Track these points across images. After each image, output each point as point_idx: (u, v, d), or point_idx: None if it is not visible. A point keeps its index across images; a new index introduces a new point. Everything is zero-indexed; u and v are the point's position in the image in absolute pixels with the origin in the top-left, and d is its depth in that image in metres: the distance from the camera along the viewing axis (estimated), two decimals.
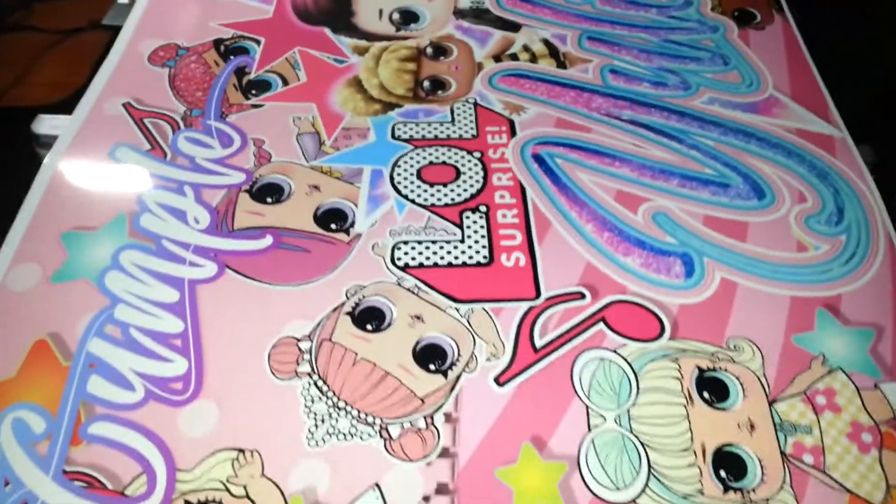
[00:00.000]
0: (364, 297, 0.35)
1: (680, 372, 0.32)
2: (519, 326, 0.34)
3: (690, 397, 0.32)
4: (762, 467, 0.30)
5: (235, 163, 0.41)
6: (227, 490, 0.29)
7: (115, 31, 0.50)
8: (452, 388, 0.32)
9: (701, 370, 0.33)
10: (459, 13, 0.52)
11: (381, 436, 0.31)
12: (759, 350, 0.33)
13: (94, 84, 0.45)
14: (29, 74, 0.97)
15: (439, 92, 0.46)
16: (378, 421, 0.31)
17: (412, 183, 0.40)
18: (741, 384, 0.32)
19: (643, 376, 0.32)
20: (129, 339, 0.33)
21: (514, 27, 0.51)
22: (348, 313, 0.34)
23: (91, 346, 0.33)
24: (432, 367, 0.33)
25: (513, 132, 0.43)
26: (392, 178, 0.40)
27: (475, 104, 0.45)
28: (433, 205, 0.39)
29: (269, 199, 0.39)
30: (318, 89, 0.46)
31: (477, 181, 0.40)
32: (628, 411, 0.31)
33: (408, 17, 0.51)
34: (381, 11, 0.51)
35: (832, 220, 0.39)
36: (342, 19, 0.51)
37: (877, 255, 0.37)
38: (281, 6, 0.51)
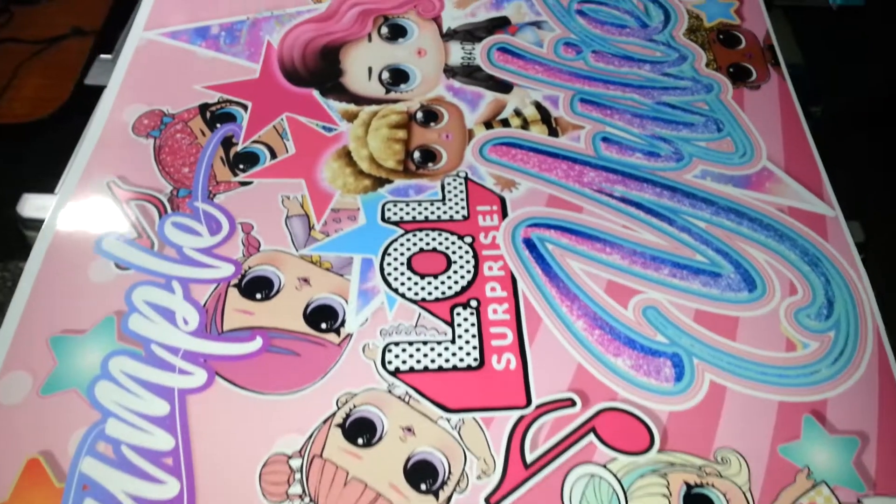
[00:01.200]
0: (355, 406, 0.35)
1: (668, 489, 0.33)
2: (510, 439, 0.34)
3: None
4: None
5: (224, 252, 0.40)
6: None
7: (98, 91, 0.49)
8: None
9: (689, 486, 0.33)
10: (450, 71, 0.51)
11: None
12: (746, 463, 0.34)
13: (77, 159, 0.45)
14: (10, 89, 0.95)
15: (430, 164, 0.45)
16: None
17: (402, 274, 0.40)
18: (727, 501, 0.33)
19: (632, 494, 0.33)
20: (121, 458, 0.33)
21: (506, 87, 0.50)
22: (339, 425, 0.34)
23: (84, 466, 0.33)
24: (423, 486, 0.33)
25: (504, 212, 0.43)
26: (382, 269, 0.40)
27: (466, 179, 0.44)
28: (424, 300, 0.39)
29: (258, 296, 0.39)
30: (307, 162, 0.45)
31: (468, 271, 0.40)
32: None
33: (398, 77, 0.50)
34: (370, 70, 0.50)
35: (822, 314, 0.39)
36: (330, 79, 0.50)
37: (864, 353, 0.38)
38: (268, 65, 0.50)
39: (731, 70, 0.51)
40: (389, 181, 0.44)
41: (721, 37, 0.53)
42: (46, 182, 0.45)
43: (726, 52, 0.52)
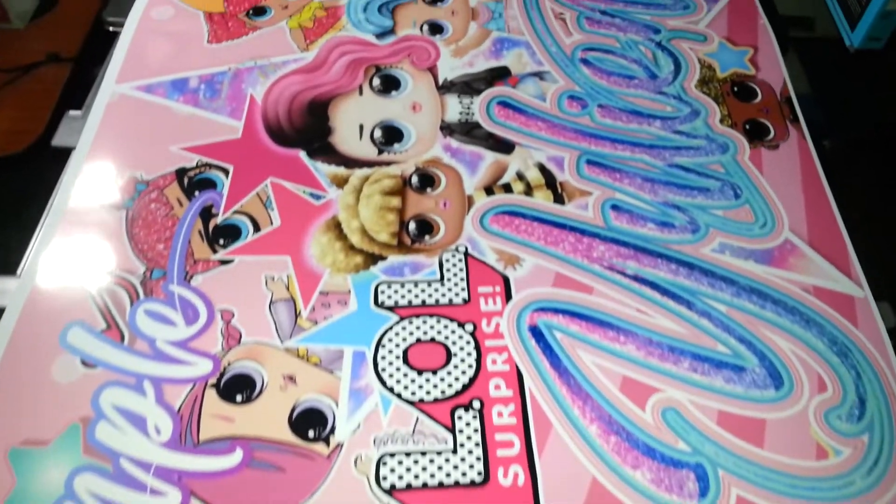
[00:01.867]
0: None
1: None
2: None
3: None
4: None
5: (201, 345, 0.37)
6: None
7: (67, 153, 0.45)
8: None
9: None
10: (447, 128, 0.47)
11: None
12: None
13: (42, 233, 0.41)
14: None
15: (426, 237, 0.42)
16: None
17: (398, 370, 0.36)
18: None
19: None
20: None
21: (507, 147, 0.46)
22: None
23: None
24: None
25: (508, 293, 0.39)
26: (376, 364, 0.36)
27: (466, 254, 0.41)
28: (422, 400, 0.35)
29: (238, 398, 0.35)
30: (294, 236, 0.41)
31: (470, 365, 0.37)
32: None
33: (391, 135, 0.47)
34: (361, 127, 0.47)
35: (853, 414, 0.36)
36: (319, 138, 0.46)
37: None
38: (251, 122, 0.47)
39: (747, 127, 0.48)
40: (383, 258, 0.41)
41: (735, 89, 0.50)
42: (11, 243, 0.42)
43: (741, 106, 0.49)
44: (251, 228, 0.42)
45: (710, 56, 0.52)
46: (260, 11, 0.53)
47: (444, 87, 0.49)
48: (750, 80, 0.51)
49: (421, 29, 0.53)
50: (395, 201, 0.43)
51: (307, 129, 0.47)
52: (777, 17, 0.56)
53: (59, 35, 1.04)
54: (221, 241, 0.41)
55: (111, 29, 0.54)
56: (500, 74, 0.51)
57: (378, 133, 0.47)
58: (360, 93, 0.49)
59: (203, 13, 0.53)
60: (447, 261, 0.41)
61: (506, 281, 0.40)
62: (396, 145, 0.46)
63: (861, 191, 0.48)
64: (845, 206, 0.44)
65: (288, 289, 0.39)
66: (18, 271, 0.40)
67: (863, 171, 0.50)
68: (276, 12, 0.53)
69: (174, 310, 0.38)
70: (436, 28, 0.53)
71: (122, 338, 0.37)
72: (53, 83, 1.01)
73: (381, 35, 0.52)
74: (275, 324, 0.38)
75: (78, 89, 0.53)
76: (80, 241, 0.40)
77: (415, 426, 0.35)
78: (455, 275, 0.40)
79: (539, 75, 0.50)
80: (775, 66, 0.52)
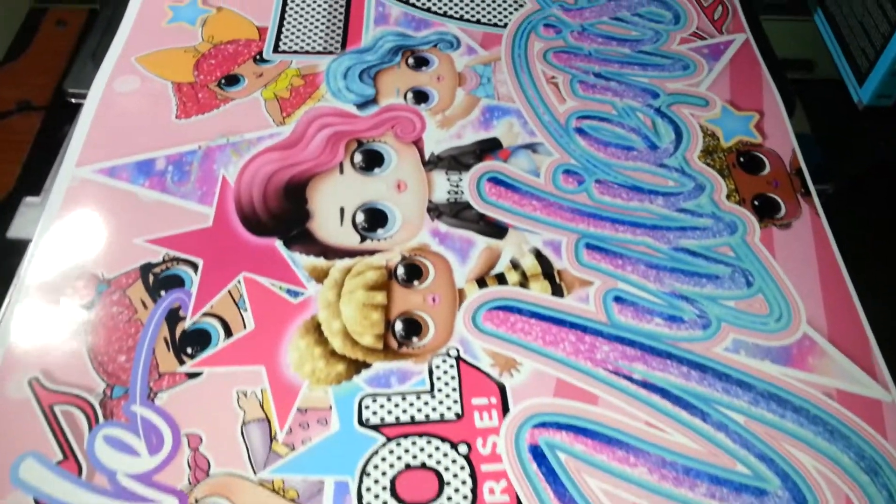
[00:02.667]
0: None
1: None
2: None
3: None
4: None
5: (166, 479, 0.33)
6: None
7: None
8: None
9: None
10: (435, 210, 0.44)
11: None
12: None
13: None
14: None
15: (414, 339, 0.38)
16: None
17: None
18: None
19: None
20: None
21: (500, 230, 0.43)
22: None
23: None
24: None
25: (505, 405, 0.36)
26: (360, 497, 0.33)
27: (458, 359, 0.37)
28: None
29: None
30: (269, 341, 0.38)
31: (465, 496, 0.33)
32: None
33: (374, 220, 0.43)
34: (342, 211, 0.43)
35: None
36: (296, 224, 0.43)
37: None
38: (223, 208, 0.43)
39: (756, 203, 0.45)
40: (367, 365, 0.37)
41: (742, 160, 0.47)
42: None
43: (749, 179, 0.46)
44: (222, 333, 0.38)
45: (713, 122, 0.49)
46: (233, 81, 0.50)
47: (431, 163, 0.46)
48: (757, 150, 0.48)
49: (405, 97, 0.49)
50: (380, 297, 0.40)
51: (284, 214, 0.43)
52: (779, 69, 0.53)
53: (29, 81, 1.00)
54: (189, 350, 0.37)
55: (73, 101, 0.50)
56: (490, 147, 0.47)
57: (360, 217, 0.43)
58: (341, 171, 0.45)
59: (171, 84, 0.49)
60: (437, 367, 0.37)
61: (502, 390, 0.37)
62: (380, 231, 0.43)
63: (880, 270, 0.45)
64: (864, 288, 0.41)
65: (262, 406, 0.36)
66: None
67: (881, 242, 0.47)
68: (250, 81, 0.50)
69: (136, 436, 0.34)
70: (421, 96, 0.50)
71: (80, 471, 0.33)
72: (25, 135, 0.97)
73: (362, 105, 0.49)
74: (247, 450, 0.34)
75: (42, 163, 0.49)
76: (34, 354, 0.37)
77: None
78: (446, 384, 0.37)
79: (532, 147, 0.47)
80: (783, 133, 0.48)
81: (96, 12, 0.60)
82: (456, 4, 0.56)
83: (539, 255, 0.42)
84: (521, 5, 0.56)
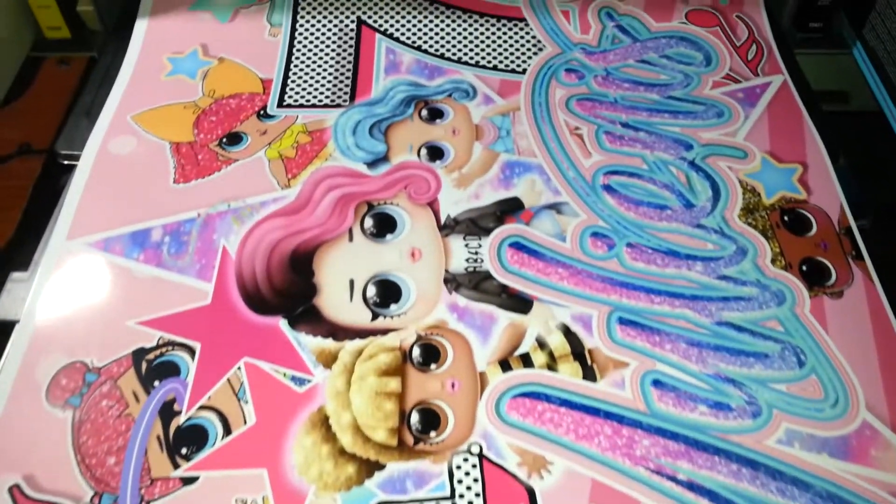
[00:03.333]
0: None
1: None
2: None
3: None
4: None
5: None
6: None
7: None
8: None
9: None
10: (453, 281, 0.40)
11: None
12: None
13: None
14: None
15: (432, 433, 0.35)
16: None
17: None
18: None
19: None
20: None
21: (525, 304, 0.39)
22: None
23: None
24: None
25: None
26: None
27: (481, 457, 0.34)
28: None
29: None
30: (272, 439, 0.34)
31: None
32: None
33: (387, 293, 0.40)
34: (352, 284, 0.40)
35: None
36: (302, 301, 0.39)
37: None
38: (223, 284, 0.40)
39: (804, 268, 0.41)
40: (380, 466, 0.34)
41: (786, 218, 0.43)
42: None
43: (795, 240, 0.42)
44: (220, 430, 0.35)
45: (753, 177, 0.45)
46: (235, 139, 0.47)
47: (448, 227, 0.43)
48: (802, 207, 0.44)
49: (418, 154, 0.46)
50: (394, 384, 0.36)
51: (289, 288, 0.40)
52: (820, 112, 0.49)
53: (30, 122, 0.97)
54: (184, 451, 0.34)
55: (65, 163, 0.47)
56: (511, 208, 0.44)
57: (372, 291, 0.40)
58: (350, 238, 0.42)
59: (169, 144, 0.46)
60: (458, 468, 0.34)
61: (531, 495, 0.33)
62: (393, 306, 0.39)
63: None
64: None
65: None
66: None
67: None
68: (254, 140, 0.47)
69: None
70: (435, 152, 0.46)
71: None
72: (25, 179, 0.94)
73: (372, 163, 0.46)
74: None
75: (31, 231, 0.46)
76: (17, 455, 0.33)
77: None
78: (468, 488, 0.33)
79: (556, 207, 0.44)
80: (829, 186, 0.45)
81: (95, 60, 0.57)
82: (471, 50, 0.53)
83: (568, 332, 0.38)
84: (540, 49, 0.53)
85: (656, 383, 0.36)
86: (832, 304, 0.39)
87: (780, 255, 0.41)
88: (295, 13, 0.54)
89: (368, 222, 0.43)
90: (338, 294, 0.40)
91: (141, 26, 0.54)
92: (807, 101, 0.50)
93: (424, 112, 0.49)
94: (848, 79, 0.57)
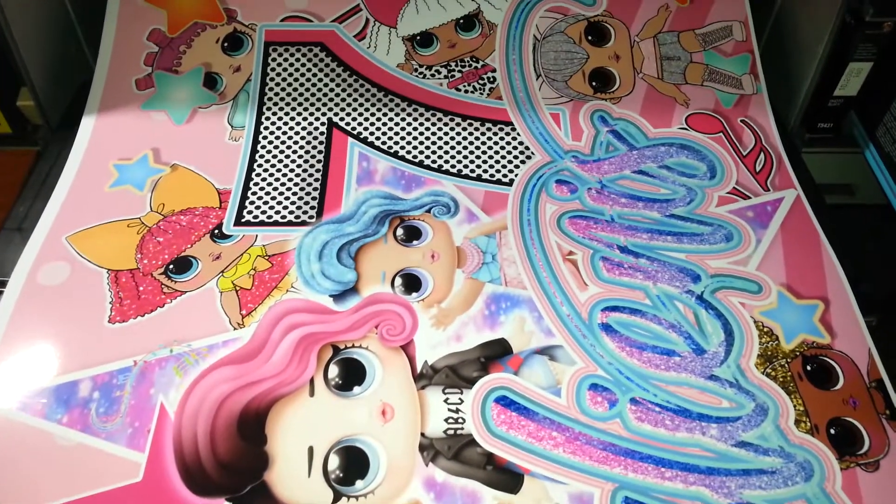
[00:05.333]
0: None
1: None
2: None
3: None
4: None
5: None
6: None
7: None
8: None
9: None
10: (430, 448, 0.34)
11: None
12: None
13: None
14: None
15: None
16: None
17: None
18: None
19: None
20: None
21: (514, 480, 0.34)
22: None
23: None
24: None
25: None
26: None
27: None
28: None
29: None
30: None
31: None
32: None
33: (352, 465, 0.34)
34: (311, 452, 0.35)
35: None
36: (251, 477, 0.33)
37: None
38: (157, 454, 0.34)
39: (831, 431, 0.36)
40: None
41: (808, 368, 0.38)
42: None
43: (820, 395, 0.37)
44: None
45: (769, 316, 0.40)
46: (183, 266, 0.41)
47: (425, 377, 0.37)
48: (826, 353, 0.39)
49: (392, 284, 0.41)
50: None
51: (236, 461, 0.34)
52: (833, 225, 0.45)
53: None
54: None
55: None
56: (497, 353, 0.38)
57: (334, 462, 0.34)
58: (312, 392, 0.36)
59: (107, 272, 0.40)
60: None
61: None
62: (359, 482, 0.33)
63: None
64: None
65: None
66: None
67: None
68: (205, 266, 0.41)
69: None
70: (412, 281, 0.41)
71: None
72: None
73: (339, 296, 0.40)
74: None
75: None
76: None
77: None
78: None
79: (549, 353, 0.38)
80: (854, 328, 0.40)
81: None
82: (453, 157, 0.48)
83: None
84: (528, 156, 0.48)
85: None
86: (867, 479, 0.34)
87: (804, 414, 0.36)
88: (259, 113, 0.49)
89: (333, 371, 0.37)
90: (294, 467, 0.34)
91: (87, 125, 0.48)
92: (822, 218, 0.45)
93: (400, 231, 0.43)
94: (852, 172, 0.54)
